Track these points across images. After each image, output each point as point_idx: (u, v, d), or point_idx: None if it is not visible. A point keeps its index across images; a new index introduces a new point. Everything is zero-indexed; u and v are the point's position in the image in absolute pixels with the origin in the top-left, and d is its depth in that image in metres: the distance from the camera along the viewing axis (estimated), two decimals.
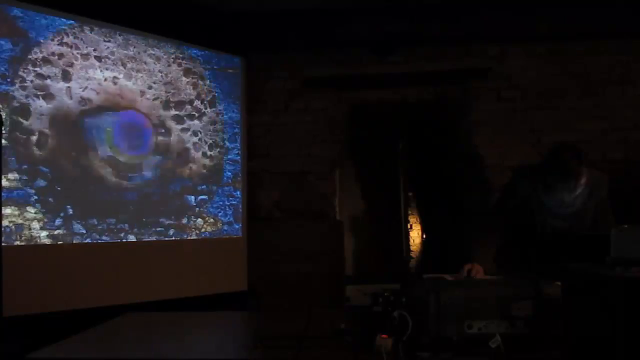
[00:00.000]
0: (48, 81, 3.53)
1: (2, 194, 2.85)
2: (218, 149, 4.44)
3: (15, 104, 3.39)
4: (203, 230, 4.29)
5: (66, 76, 3.61)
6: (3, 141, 3.01)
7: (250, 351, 1.81)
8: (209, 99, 4.40)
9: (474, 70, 4.64)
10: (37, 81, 3.48)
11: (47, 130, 3.51)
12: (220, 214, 4.40)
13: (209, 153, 4.37)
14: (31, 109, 3.45)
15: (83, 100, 3.69)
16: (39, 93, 3.48)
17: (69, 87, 3.62)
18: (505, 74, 4.63)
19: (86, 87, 3.71)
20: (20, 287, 3.10)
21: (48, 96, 3.53)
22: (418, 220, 5.16)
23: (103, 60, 3.81)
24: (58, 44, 3.59)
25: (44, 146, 3.50)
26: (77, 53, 3.68)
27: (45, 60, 3.52)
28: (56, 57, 3.58)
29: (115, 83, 3.86)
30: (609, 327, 1.52)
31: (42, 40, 3.52)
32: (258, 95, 4.74)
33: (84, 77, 3.70)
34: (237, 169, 4.56)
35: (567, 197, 2.54)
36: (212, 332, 2.21)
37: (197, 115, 4.32)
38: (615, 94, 4.55)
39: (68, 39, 3.65)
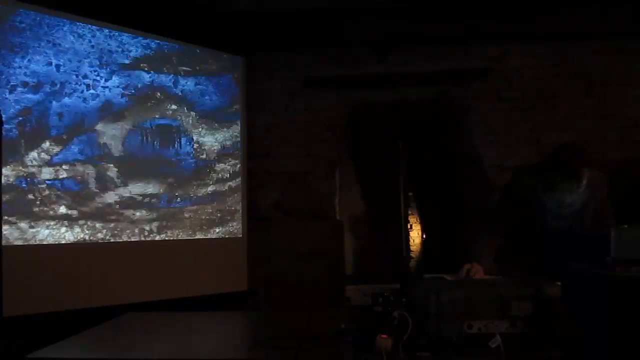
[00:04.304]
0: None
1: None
2: (218, 149, 4.44)
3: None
4: (203, 230, 4.29)
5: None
6: None
7: (250, 351, 1.81)
8: (209, 99, 4.40)
9: (474, 70, 4.64)
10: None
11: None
12: (220, 214, 4.40)
13: (209, 153, 4.37)
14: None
15: (86, 101, 3.70)
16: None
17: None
18: (505, 74, 4.63)
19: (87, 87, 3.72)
20: (20, 287, 3.10)
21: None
22: (418, 220, 5.15)
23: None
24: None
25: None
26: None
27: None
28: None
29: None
30: (609, 327, 1.52)
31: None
32: (258, 95, 4.74)
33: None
34: (237, 169, 4.56)
35: (568, 197, 2.55)
36: (212, 332, 2.21)
37: (197, 115, 4.32)
38: (615, 94, 4.55)
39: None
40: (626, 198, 3.08)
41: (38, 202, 3.46)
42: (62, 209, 3.57)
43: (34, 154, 3.46)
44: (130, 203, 3.89)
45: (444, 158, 4.92)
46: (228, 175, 4.49)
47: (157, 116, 4.09)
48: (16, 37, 3.42)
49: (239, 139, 4.58)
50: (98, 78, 3.78)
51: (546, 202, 2.61)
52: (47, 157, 3.52)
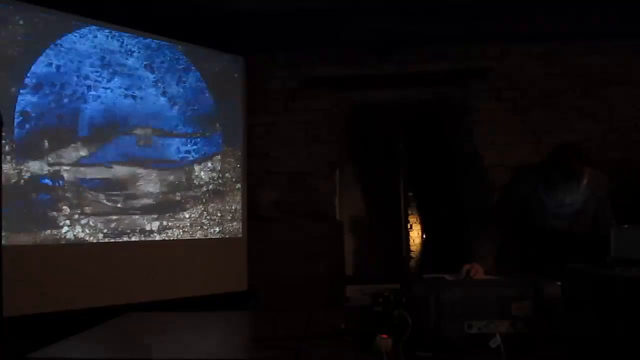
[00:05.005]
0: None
1: None
2: (218, 149, 4.44)
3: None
4: (203, 230, 4.29)
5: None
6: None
7: (250, 351, 1.81)
8: (209, 99, 4.40)
9: (474, 70, 4.64)
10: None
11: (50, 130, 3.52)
12: (220, 214, 4.40)
13: (208, 153, 4.37)
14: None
15: (86, 102, 3.70)
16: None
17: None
18: (505, 74, 4.63)
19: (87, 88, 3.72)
20: (20, 287, 3.09)
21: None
22: (418, 220, 5.17)
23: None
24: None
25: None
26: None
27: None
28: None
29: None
30: (609, 327, 1.52)
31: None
32: (258, 95, 4.74)
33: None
34: (237, 169, 4.56)
35: (568, 197, 2.54)
36: (212, 332, 2.21)
37: (197, 115, 4.32)
38: (615, 94, 4.55)
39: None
40: (626, 198, 3.07)
41: (38, 202, 3.46)
42: (63, 209, 3.56)
43: (33, 154, 3.46)
44: (130, 203, 3.89)
45: (444, 158, 4.93)
46: (228, 175, 4.49)
47: (157, 116, 4.09)
48: (16, 37, 3.41)
49: (239, 139, 4.58)
50: (99, 79, 3.78)
51: (546, 201, 2.60)
52: (46, 157, 3.52)
